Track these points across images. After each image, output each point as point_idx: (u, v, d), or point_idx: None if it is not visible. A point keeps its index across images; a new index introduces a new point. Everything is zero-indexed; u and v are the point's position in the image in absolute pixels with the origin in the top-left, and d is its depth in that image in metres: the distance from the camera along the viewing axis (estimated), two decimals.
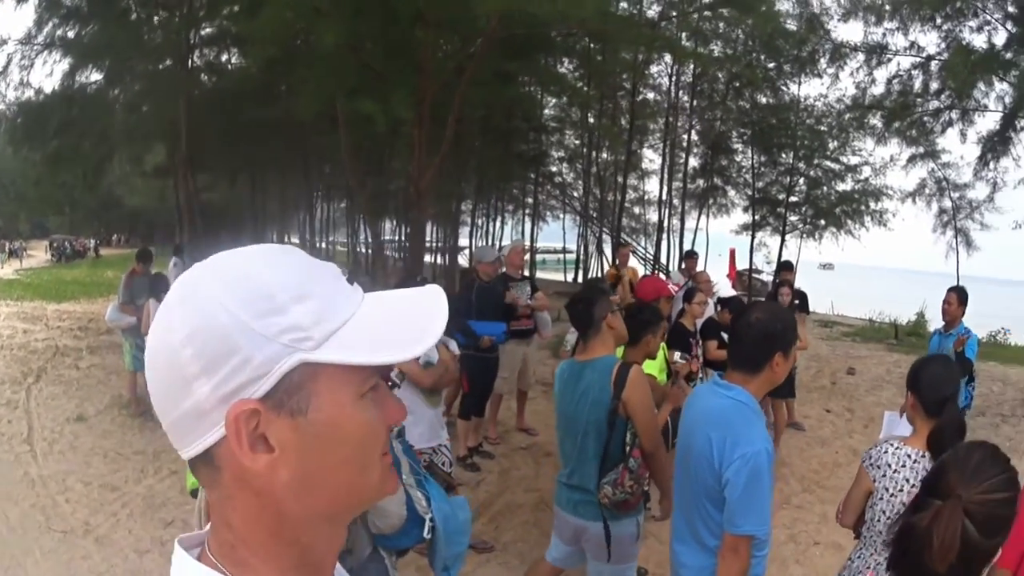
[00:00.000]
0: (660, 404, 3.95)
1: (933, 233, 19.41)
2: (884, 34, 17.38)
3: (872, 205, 20.06)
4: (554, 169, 26.37)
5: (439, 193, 18.21)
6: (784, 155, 20.83)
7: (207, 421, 0.63)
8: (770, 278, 15.27)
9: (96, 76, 15.82)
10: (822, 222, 20.69)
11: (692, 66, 21.01)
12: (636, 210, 28.18)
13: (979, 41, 15.84)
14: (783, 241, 21.13)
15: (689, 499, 2.55)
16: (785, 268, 9.35)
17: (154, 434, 6.78)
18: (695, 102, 23.11)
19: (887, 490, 2.59)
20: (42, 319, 15.12)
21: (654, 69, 22.21)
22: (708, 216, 25.09)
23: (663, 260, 23.85)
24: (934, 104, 17.64)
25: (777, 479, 5.53)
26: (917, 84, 17.56)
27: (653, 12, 18.72)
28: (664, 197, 24.58)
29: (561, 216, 29.65)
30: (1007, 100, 16.08)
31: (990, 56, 15.05)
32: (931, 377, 2.66)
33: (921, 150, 18.79)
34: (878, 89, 18.30)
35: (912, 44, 17.17)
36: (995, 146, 17.01)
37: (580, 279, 25.79)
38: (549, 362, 9.74)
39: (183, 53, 15.84)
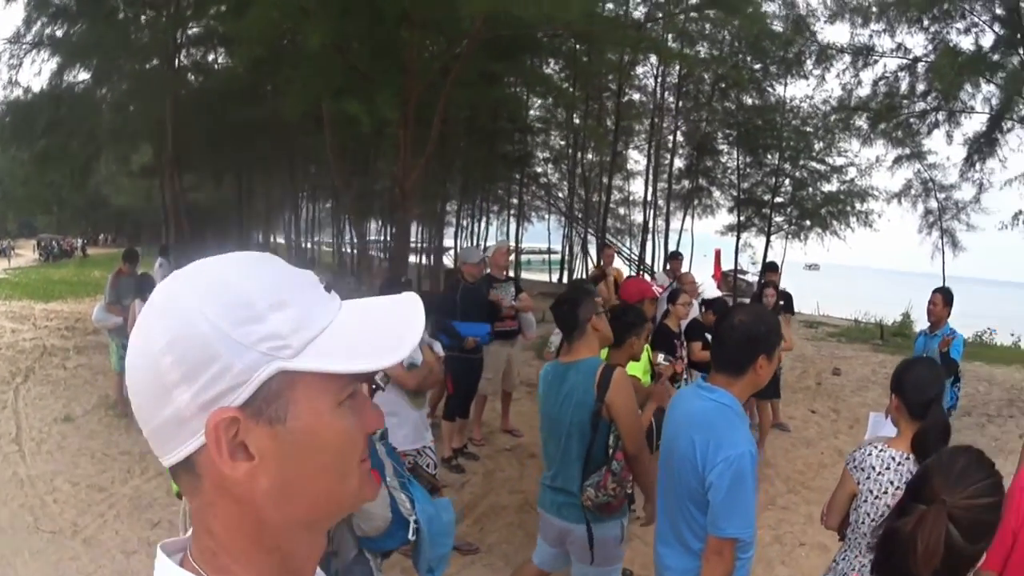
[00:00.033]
0: (644, 405, 3.95)
1: (919, 234, 19.63)
2: (871, 36, 17.51)
3: (858, 206, 20.24)
4: (539, 170, 26.39)
5: (424, 193, 18.22)
6: (770, 156, 20.95)
7: (187, 429, 0.63)
8: (755, 279, 15.31)
9: (84, 75, 15.81)
10: (807, 223, 20.80)
11: (678, 67, 21.13)
12: (621, 211, 28.22)
13: (966, 43, 16.00)
14: (768, 242, 21.24)
15: (673, 502, 2.53)
16: (770, 269, 9.41)
17: (140, 435, 6.52)
18: (681, 103, 23.19)
19: (871, 492, 2.59)
20: (30, 318, 15.11)
21: (640, 70, 22.33)
22: (693, 217, 25.11)
23: (648, 261, 23.96)
24: (920, 106, 17.76)
25: (762, 480, 5.55)
26: (903, 86, 17.70)
27: (639, 13, 18.85)
28: (649, 198, 24.61)
29: (546, 217, 29.77)
30: (994, 102, 16.22)
31: (977, 58, 15.16)
32: (915, 379, 2.66)
33: (907, 151, 18.93)
34: (864, 91, 18.44)
35: (899, 46, 17.31)
36: (981, 147, 17.15)
37: (565, 280, 25.79)
38: (534, 363, 9.71)
39: (170, 53, 15.85)
